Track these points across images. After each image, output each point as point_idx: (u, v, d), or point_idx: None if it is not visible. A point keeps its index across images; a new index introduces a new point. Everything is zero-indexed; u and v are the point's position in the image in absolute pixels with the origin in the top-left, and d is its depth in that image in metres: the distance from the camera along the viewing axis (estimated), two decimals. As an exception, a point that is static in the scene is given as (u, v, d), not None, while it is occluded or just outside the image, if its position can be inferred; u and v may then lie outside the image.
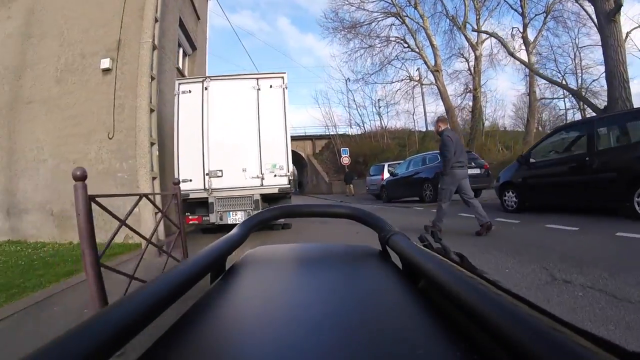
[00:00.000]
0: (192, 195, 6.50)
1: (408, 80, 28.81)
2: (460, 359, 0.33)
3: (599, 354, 0.25)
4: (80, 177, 2.18)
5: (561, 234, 4.88)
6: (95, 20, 7.93)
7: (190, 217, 6.50)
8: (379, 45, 28.23)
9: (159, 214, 3.97)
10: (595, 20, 13.75)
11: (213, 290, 0.53)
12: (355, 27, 28.13)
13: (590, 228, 5.01)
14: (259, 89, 6.69)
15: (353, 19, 28.36)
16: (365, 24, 27.72)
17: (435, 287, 0.44)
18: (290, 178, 6.80)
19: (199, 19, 12.10)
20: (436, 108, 30.42)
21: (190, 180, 6.48)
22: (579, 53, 23.11)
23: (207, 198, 6.54)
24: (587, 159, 5.92)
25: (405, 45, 27.27)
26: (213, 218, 6.49)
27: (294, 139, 33.40)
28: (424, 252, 0.54)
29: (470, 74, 26.74)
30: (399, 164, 15.56)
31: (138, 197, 2.91)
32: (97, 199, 2.25)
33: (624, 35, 13.86)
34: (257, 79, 6.73)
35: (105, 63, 7.25)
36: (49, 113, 7.82)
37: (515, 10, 23.01)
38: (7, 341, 2.56)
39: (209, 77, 6.82)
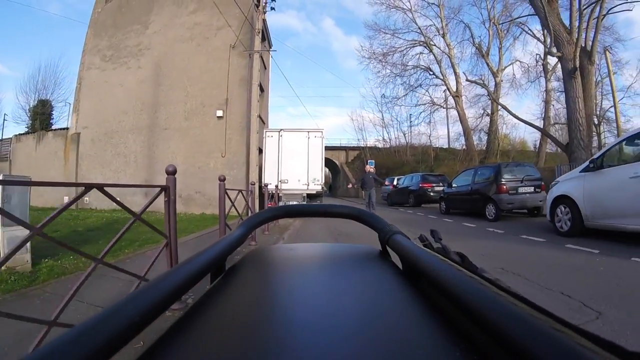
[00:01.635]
0: (270, 190, 12.36)
1: (431, 104, 35.07)
2: (460, 359, 0.35)
3: (599, 354, 0.27)
4: (222, 179, 4.87)
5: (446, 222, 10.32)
6: (209, 83, 14.00)
7: (270, 203, 11.73)
8: (406, 74, 34.52)
9: (250, 200, 9.76)
10: (561, 74, 18.65)
11: (213, 290, 0.56)
12: (387, 55, 34.34)
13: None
14: (308, 138, 12.57)
15: (386, 47, 34.59)
16: (397, 53, 33.93)
17: (436, 287, 0.47)
18: (322, 186, 12.76)
19: (265, 68, 18.05)
20: (454, 128, 36.27)
21: (269, 184, 12.05)
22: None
23: (279, 192, 12.35)
24: (471, 188, 11.21)
25: (431, 73, 33.32)
26: (282, 203, 12.13)
27: (330, 148, 40.26)
28: (424, 252, 0.56)
29: (489, 98, 32.02)
30: (402, 177, 21.72)
31: (237, 191, 7.92)
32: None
33: (593, 84, 18.88)
34: (308, 132, 12.69)
35: (219, 113, 13.32)
36: (180, 137, 13.92)
37: (538, 39, 27.45)
38: (193, 247, 6.20)
39: (282, 129, 12.75)
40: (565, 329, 0.31)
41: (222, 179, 5.01)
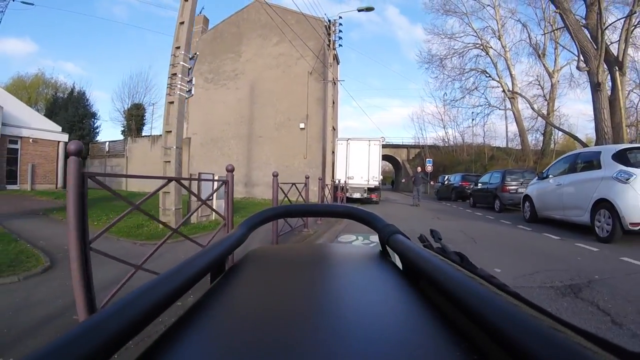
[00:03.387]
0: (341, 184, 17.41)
1: (487, 105, 38.33)
2: (460, 359, 0.36)
3: (599, 354, 0.29)
4: (275, 174, 6.20)
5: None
6: (293, 102, 19.66)
7: (339, 193, 16.48)
8: (463, 78, 37.64)
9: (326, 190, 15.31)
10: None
11: (213, 290, 0.58)
12: (445, 59, 37.61)
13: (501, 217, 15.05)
14: (369, 145, 17.42)
15: (444, 50, 38.10)
16: (454, 56, 37.21)
17: (435, 287, 0.49)
18: (379, 181, 17.75)
19: (335, 84, 23.67)
20: (512, 128, 39.70)
21: (340, 180, 17.18)
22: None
23: (346, 185, 17.15)
24: (487, 187, 15.53)
25: (487, 75, 36.59)
26: (348, 194, 17.00)
27: (392, 146, 45.76)
28: (424, 252, 0.59)
29: (545, 99, 35.49)
30: (449, 176, 26.08)
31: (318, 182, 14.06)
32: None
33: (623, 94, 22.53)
34: (369, 140, 17.53)
35: (302, 125, 18.94)
36: (272, 143, 19.77)
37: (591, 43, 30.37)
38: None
39: (349, 138, 17.66)
40: (565, 329, 0.33)
41: (275, 175, 6.17)
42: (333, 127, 19.38)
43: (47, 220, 7.38)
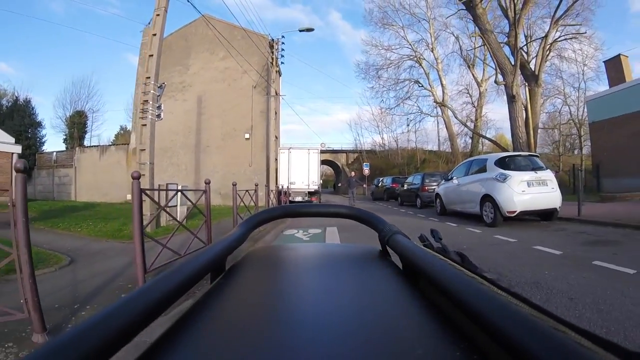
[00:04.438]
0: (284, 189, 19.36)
1: (419, 113, 41.38)
2: (460, 359, 0.37)
3: (599, 354, 0.29)
4: (234, 184, 12.15)
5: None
6: (238, 113, 21.31)
7: (283, 197, 18.17)
8: (397, 88, 40.36)
9: (271, 194, 17.33)
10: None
11: (213, 290, 0.59)
12: (381, 70, 40.34)
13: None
14: (309, 153, 19.53)
15: (380, 61, 40.67)
16: (390, 67, 39.97)
17: (436, 287, 0.49)
18: (319, 185, 19.74)
19: (277, 94, 25.65)
20: (443, 133, 43.42)
21: (283, 185, 18.85)
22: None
23: (289, 190, 18.93)
24: (411, 188, 18.10)
25: (420, 85, 39.51)
26: (291, 198, 18.68)
27: (333, 152, 47.93)
28: (424, 252, 0.59)
29: (474, 106, 39.00)
30: (382, 179, 28.67)
31: (264, 189, 16.10)
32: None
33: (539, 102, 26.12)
34: (309, 149, 19.72)
35: (247, 135, 20.64)
36: (219, 152, 21.35)
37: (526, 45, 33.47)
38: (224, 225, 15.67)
39: (291, 147, 19.79)
40: (565, 328, 0.33)
41: (234, 184, 7.94)
42: (276, 137, 21.29)
43: (33, 230, 8.34)
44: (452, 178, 11.98)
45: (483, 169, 10.01)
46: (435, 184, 15.64)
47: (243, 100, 21.27)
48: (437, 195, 12.99)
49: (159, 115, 9.36)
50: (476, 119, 37.88)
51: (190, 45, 23.30)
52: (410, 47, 39.11)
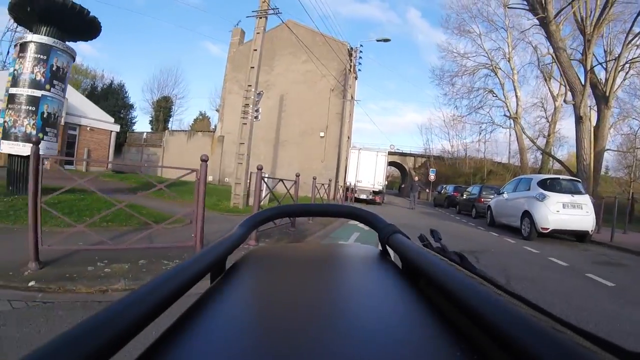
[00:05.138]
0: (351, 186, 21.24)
1: (491, 123, 41.36)
2: (460, 359, 0.37)
3: (599, 354, 0.29)
4: (259, 168, 17.06)
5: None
6: (315, 113, 23.36)
7: (349, 193, 20.30)
8: (471, 96, 40.71)
9: (334, 191, 19.36)
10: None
11: (213, 290, 0.59)
12: (456, 76, 40.74)
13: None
14: (377, 155, 21.14)
15: (457, 67, 41.08)
16: (466, 75, 40.25)
17: (435, 287, 0.49)
18: (383, 186, 21.42)
19: (352, 98, 27.58)
20: (512, 146, 43.16)
21: (350, 182, 20.88)
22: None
23: (356, 187, 20.99)
24: (469, 198, 19.13)
25: (494, 95, 39.62)
26: (356, 195, 20.69)
27: (400, 154, 49.22)
28: (424, 252, 0.59)
29: (548, 121, 38.79)
30: (445, 186, 29.53)
31: (334, 184, 18.08)
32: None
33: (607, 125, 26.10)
34: (377, 151, 21.34)
35: (322, 134, 22.64)
36: (296, 147, 23.53)
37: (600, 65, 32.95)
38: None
39: (361, 148, 21.51)
40: (565, 329, 0.34)
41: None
42: (348, 137, 23.29)
43: (142, 197, 8.71)
44: (502, 193, 13.19)
45: (527, 187, 11.24)
46: (491, 196, 16.52)
47: (321, 102, 23.33)
48: (489, 207, 14.24)
49: (256, 117, 11.54)
50: (549, 135, 37.44)
51: (275, 48, 25.64)
52: (486, 55, 38.89)
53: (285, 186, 8.30)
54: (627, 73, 29.69)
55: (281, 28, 25.50)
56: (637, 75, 31.08)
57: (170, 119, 46.68)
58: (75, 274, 3.60)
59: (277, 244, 6.14)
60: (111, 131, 25.29)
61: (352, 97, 23.33)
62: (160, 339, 0.42)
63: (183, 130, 32.10)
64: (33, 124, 7.47)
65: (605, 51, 28.60)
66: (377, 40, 22.05)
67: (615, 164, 41.48)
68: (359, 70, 22.75)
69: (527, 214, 10.54)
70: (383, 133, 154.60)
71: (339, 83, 23.05)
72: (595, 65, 26.07)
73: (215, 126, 30.18)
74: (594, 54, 27.03)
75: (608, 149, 32.12)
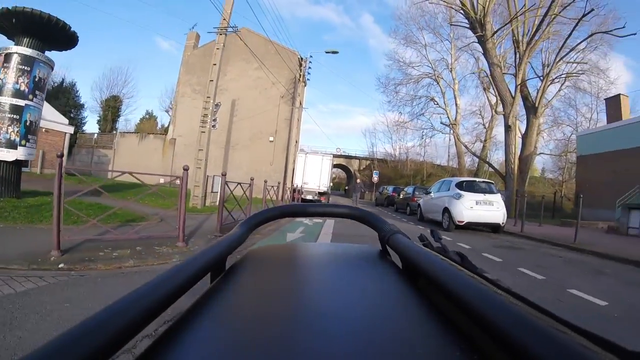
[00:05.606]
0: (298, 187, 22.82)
1: (431, 129, 44.06)
2: (460, 359, 0.37)
3: (599, 354, 0.29)
4: (223, 174, 17.96)
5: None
6: (265, 118, 24.64)
7: (296, 194, 21.93)
8: (414, 104, 42.90)
9: (282, 192, 20.88)
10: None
11: (213, 290, 0.59)
12: (401, 84, 42.82)
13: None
14: (322, 159, 22.96)
15: (402, 75, 43.37)
16: (410, 83, 42.45)
17: (435, 287, 0.49)
18: (328, 187, 23.09)
19: (300, 104, 29.11)
20: (451, 150, 46.43)
21: (297, 184, 22.36)
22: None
23: (302, 189, 22.44)
24: (404, 196, 21.12)
25: (435, 103, 42.02)
26: (303, 196, 22.09)
27: (346, 157, 51.35)
28: (424, 252, 0.60)
29: (485, 127, 42.00)
30: (386, 187, 31.48)
31: (281, 185, 19.56)
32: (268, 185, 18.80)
33: (535, 132, 29.10)
34: (322, 155, 23.38)
35: (271, 138, 24.01)
36: (245, 151, 24.77)
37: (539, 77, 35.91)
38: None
39: (307, 152, 23.49)
40: (565, 329, 0.34)
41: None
42: (296, 141, 24.85)
43: (106, 197, 9.27)
44: (430, 193, 15.11)
45: (448, 188, 13.13)
46: (422, 196, 18.27)
47: (271, 108, 24.71)
48: (419, 205, 16.25)
49: (214, 126, 12.84)
50: (485, 140, 40.77)
51: (229, 54, 26.56)
52: (430, 65, 41.71)
53: (242, 189, 9.50)
54: (562, 84, 32.71)
55: (235, 35, 26.75)
56: (572, 87, 34.55)
57: (119, 119, 46.53)
58: (91, 257, 4.74)
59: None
60: (65, 133, 25.33)
61: (300, 104, 24.81)
62: (161, 338, 0.43)
63: (134, 132, 32.55)
64: (17, 132, 8.17)
65: (543, 64, 31.24)
66: (326, 52, 23.67)
67: (551, 165, 45.03)
68: (308, 79, 24.26)
69: (446, 210, 12.44)
70: (329, 137, 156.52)
71: (288, 92, 24.56)
72: (528, 79, 28.92)
73: (167, 128, 30.93)
74: (532, 66, 30.08)
75: (541, 153, 35.79)
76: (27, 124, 8.44)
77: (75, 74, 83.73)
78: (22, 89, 8.26)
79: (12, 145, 8.11)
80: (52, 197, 8.74)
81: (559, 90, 34.50)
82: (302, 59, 24.21)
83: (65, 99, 36.73)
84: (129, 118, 49.44)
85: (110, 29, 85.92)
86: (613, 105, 27.48)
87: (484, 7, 26.50)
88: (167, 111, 50.35)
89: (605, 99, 30.58)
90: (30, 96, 8.45)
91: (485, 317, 0.36)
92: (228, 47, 26.99)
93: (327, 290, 0.62)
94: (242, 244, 0.79)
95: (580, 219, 18.50)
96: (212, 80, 13.04)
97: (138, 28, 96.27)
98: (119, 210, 7.76)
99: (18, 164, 8.60)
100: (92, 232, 5.66)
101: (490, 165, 33.61)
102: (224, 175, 7.74)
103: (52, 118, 24.54)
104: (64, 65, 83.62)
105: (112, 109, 44.67)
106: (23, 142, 8.34)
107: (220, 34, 13.28)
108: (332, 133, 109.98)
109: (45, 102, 25.69)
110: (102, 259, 4.73)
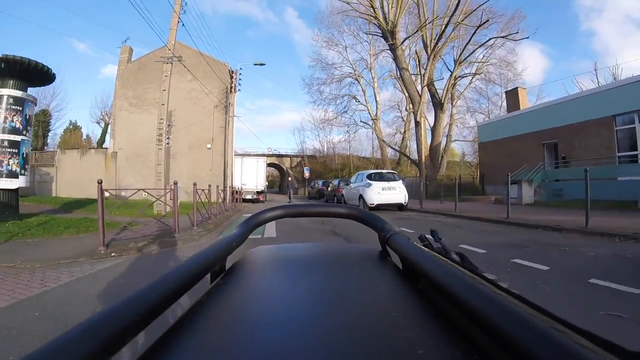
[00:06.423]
0: (237, 188, 25.52)
1: (355, 124, 48.62)
2: (460, 359, 0.37)
3: (599, 354, 0.29)
4: (175, 182, 20.90)
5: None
6: (202, 127, 26.83)
7: (236, 195, 24.61)
8: (337, 102, 47.52)
9: (224, 194, 23.53)
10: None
11: (213, 290, 0.60)
12: (324, 84, 46.98)
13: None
14: (257, 161, 26.22)
15: (326, 75, 47.20)
16: (333, 83, 46.71)
17: (435, 287, 0.49)
18: (265, 186, 26.32)
19: (230, 105, 31.64)
20: (373, 143, 50.80)
21: (236, 185, 25.16)
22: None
23: (242, 189, 25.31)
24: (330, 189, 24.66)
25: (357, 100, 46.53)
26: (242, 196, 24.85)
27: (278, 156, 54.07)
28: (424, 252, 0.60)
29: (403, 120, 46.47)
30: (317, 181, 35.10)
31: (222, 190, 22.26)
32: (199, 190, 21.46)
33: (442, 125, 33.54)
34: (257, 157, 26.77)
35: (209, 146, 26.36)
36: (185, 159, 26.89)
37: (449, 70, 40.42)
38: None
39: (243, 155, 27.36)
40: (564, 328, 0.34)
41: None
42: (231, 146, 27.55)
43: (87, 213, 12.77)
44: (349, 184, 18.45)
45: (362, 179, 16.49)
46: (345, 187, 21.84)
47: (206, 117, 27.02)
48: (342, 195, 19.57)
49: (168, 143, 15.26)
50: (405, 131, 45.38)
51: (162, 67, 28.84)
52: (351, 66, 45.86)
53: (205, 194, 12.57)
54: (472, 78, 37.28)
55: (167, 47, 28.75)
56: (483, 79, 39.41)
57: (48, 134, 46.23)
58: (126, 248, 7.11)
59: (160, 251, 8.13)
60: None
61: (233, 112, 27.44)
62: (161, 338, 0.44)
63: (76, 149, 33.57)
64: (17, 163, 9.99)
65: (454, 60, 35.60)
66: (255, 64, 26.37)
67: (470, 150, 50.29)
68: (239, 90, 26.86)
69: (361, 197, 15.81)
70: (259, 138, 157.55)
71: (221, 102, 27.11)
72: (436, 81, 33.25)
73: (100, 140, 32.24)
74: (444, 62, 34.36)
75: (455, 140, 40.66)
76: (24, 156, 10.33)
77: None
78: (17, 126, 9.95)
79: (13, 175, 10.01)
80: (47, 216, 11.12)
81: (470, 83, 39.52)
82: (232, 71, 26.74)
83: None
84: (58, 132, 48.78)
85: (30, 36, 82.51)
86: (512, 96, 31.58)
87: (393, 20, 30.28)
88: (98, 122, 50.44)
89: (505, 92, 35.56)
90: (24, 132, 10.25)
91: (486, 317, 0.37)
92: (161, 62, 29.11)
93: (327, 291, 0.63)
94: (242, 244, 0.81)
95: (485, 195, 22.35)
96: (163, 104, 15.51)
97: (58, 35, 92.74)
98: (108, 220, 9.53)
99: (16, 191, 10.49)
100: (109, 235, 7.95)
101: (405, 155, 37.94)
102: (176, 184, 10.24)
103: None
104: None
105: (42, 123, 44.11)
106: (22, 172, 10.26)
107: (167, 63, 15.50)
108: (262, 131, 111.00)
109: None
110: (134, 248, 7.19)
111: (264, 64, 26.13)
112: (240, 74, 26.95)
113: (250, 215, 0.94)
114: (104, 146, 34.68)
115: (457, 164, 47.24)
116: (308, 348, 0.39)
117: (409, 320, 0.48)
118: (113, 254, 6.69)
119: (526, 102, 31.56)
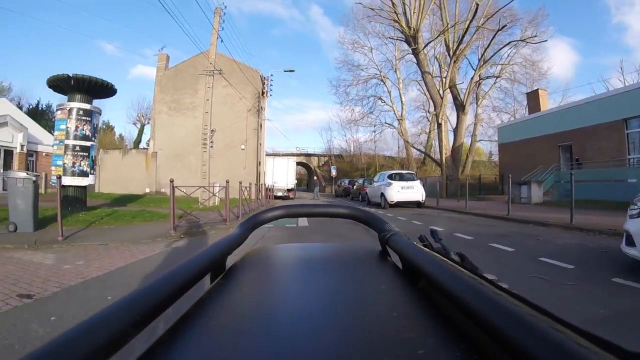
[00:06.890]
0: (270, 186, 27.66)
1: (381, 124, 49.46)
2: (460, 359, 0.38)
3: (599, 354, 0.29)
4: (171, 180, 23.27)
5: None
6: (236, 130, 29.05)
7: (269, 192, 26.69)
8: (363, 103, 48.65)
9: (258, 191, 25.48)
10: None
11: (213, 290, 0.60)
12: (350, 86, 48.22)
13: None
14: (288, 161, 28.25)
15: (352, 77, 48.60)
16: (359, 84, 47.84)
17: (435, 287, 0.49)
18: (295, 185, 28.48)
19: (264, 109, 33.65)
20: (399, 142, 51.75)
21: (268, 183, 27.18)
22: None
23: (273, 187, 27.31)
24: (357, 187, 26.53)
25: (382, 101, 47.48)
26: (275, 193, 26.94)
27: (306, 155, 56.02)
28: (424, 252, 0.61)
29: (428, 120, 47.60)
30: (344, 180, 36.82)
31: (255, 185, 24.15)
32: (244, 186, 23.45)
33: (464, 127, 34.74)
34: (288, 158, 29.14)
35: (242, 147, 28.59)
36: (221, 159, 28.86)
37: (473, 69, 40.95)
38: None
39: (275, 156, 30.68)
40: (564, 329, 0.34)
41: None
42: (260, 144, 29.58)
43: (146, 206, 15.15)
44: (372, 183, 20.17)
45: (383, 179, 18.14)
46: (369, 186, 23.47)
47: (240, 120, 29.14)
48: (366, 192, 21.36)
49: (212, 146, 17.16)
50: (430, 131, 46.56)
51: (198, 73, 30.96)
52: (376, 67, 47.02)
53: (241, 191, 14.21)
54: (497, 78, 38.13)
55: (203, 55, 30.76)
56: (508, 79, 40.25)
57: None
58: (191, 232, 8.97)
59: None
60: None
61: (264, 115, 29.45)
62: (161, 338, 0.44)
63: (117, 149, 36.12)
64: (87, 164, 11.99)
65: (479, 59, 36.51)
66: (285, 71, 28.54)
67: (496, 150, 50.76)
68: (271, 95, 28.84)
69: (382, 195, 17.43)
70: (287, 137, 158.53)
71: (254, 106, 29.13)
72: (460, 83, 34.48)
73: (136, 140, 34.51)
74: (469, 61, 35.52)
75: (480, 140, 41.64)
76: (93, 158, 12.39)
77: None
78: (87, 133, 11.82)
79: (84, 174, 12.02)
80: (110, 209, 13.14)
81: (495, 83, 40.47)
82: (264, 77, 28.70)
83: (45, 120, 39.44)
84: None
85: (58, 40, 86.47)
86: (533, 98, 32.10)
87: (415, 26, 31.65)
88: (134, 123, 53.16)
89: (526, 93, 36.08)
90: (93, 138, 12.26)
91: (485, 317, 0.37)
92: (197, 67, 31.40)
93: (327, 290, 0.63)
94: (241, 244, 0.82)
95: (504, 194, 23.65)
96: (207, 112, 17.30)
97: (85, 39, 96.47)
98: (165, 212, 11.43)
99: (85, 188, 12.62)
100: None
101: (428, 155, 39.33)
102: (227, 182, 12.08)
103: (50, 142, 28.16)
104: (37, 86, 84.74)
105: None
106: (92, 171, 12.34)
107: (209, 75, 17.34)
108: (289, 129, 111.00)
109: (46, 130, 29.30)
110: (201, 231, 9.15)
111: (294, 71, 28.13)
112: (271, 80, 28.77)
113: (250, 215, 0.98)
114: (140, 146, 36.95)
115: (483, 164, 48.19)
116: (308, 348, 0.41)
117: (409, 320, 0.49)
118: (182, 235, 8.57)
119: (547, 103, 31.97)
